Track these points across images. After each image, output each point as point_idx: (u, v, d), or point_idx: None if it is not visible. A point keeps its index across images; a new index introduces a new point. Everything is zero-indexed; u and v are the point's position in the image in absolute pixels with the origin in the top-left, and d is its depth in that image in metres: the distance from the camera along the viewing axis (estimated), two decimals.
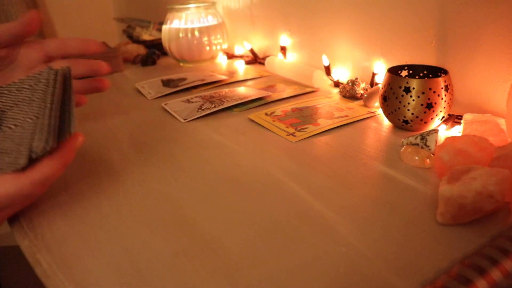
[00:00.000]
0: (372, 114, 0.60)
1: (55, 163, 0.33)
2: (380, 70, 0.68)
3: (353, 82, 0.67)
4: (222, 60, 0.99)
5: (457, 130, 0.53)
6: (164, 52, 1.02)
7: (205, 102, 0.67)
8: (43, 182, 0.33)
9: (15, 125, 0.35)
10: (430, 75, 0.57)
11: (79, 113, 0.52)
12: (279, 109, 0.64)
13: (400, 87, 0.52)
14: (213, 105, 0.65)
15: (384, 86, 0.54)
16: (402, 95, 0.52)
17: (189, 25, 0.92)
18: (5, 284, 0.60)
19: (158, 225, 0.37)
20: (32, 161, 0.33)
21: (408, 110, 0.52)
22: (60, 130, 0.35)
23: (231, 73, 0.88)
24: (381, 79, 0.67)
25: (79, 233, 0.36)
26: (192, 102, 0.68)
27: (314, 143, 0.52)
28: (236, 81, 0.82)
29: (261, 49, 0.97)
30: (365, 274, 0.30)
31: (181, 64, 0.98)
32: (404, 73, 0.59)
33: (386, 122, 0.58)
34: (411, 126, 0.53)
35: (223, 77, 0.83)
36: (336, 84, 0.75)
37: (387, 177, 0.43)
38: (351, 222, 0.36)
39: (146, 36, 1.10)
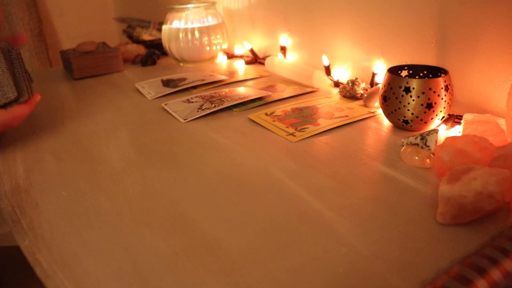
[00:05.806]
0: (372, 114, 0.60)
1: (26, 108, 0.51)
2: (380, 70, 0.68)
3: (353, 82, 0.67)
4: (222, 60, 0.99)
5: (457, 130, 0.53)
6: (164, 52, 1.02)
7: (205, 102, 0.67)
8: (19, 117, 0.50)
9: None
10: (430, 75, 0.57)
11: (79, 113, 0.52)
12: (279, 109, 0.64)
13: (400, 87, 0.52)
14: (213, 105, 0.65)
15: (384, 86, 0.54)
16: (402, 95, 0.52)
17: (189, 25, 0.92)
18: (5, 284, 0.60)
19: (158, 225, 0.37)
20: (7, 105, 0.49)
21: (408, 110, 0.52)
22: (27, 88, 0.52)
23: (231, 73, 0.88)
24: (381, 79, 0.67)
25: (79, 233, 0.36)
26: (192, 102, 0.68)
27: (314, 143, 0.52)
28: (236, 81, 0.82)
29: (261, 49, 0.97)
30: (365, 274, 0.30)
31: (181, 64, 0.97)
32: (404, 73, 0.59)
33: (386, 122, 0.58)
34: (411, 126, 0.53)
35: (223, 77, 0.83)
36: (336, 84, 0.75)
37: (387, 177, 0.43)
38: (351, 222, 0.36)
39: (146, 36, 1.10)
